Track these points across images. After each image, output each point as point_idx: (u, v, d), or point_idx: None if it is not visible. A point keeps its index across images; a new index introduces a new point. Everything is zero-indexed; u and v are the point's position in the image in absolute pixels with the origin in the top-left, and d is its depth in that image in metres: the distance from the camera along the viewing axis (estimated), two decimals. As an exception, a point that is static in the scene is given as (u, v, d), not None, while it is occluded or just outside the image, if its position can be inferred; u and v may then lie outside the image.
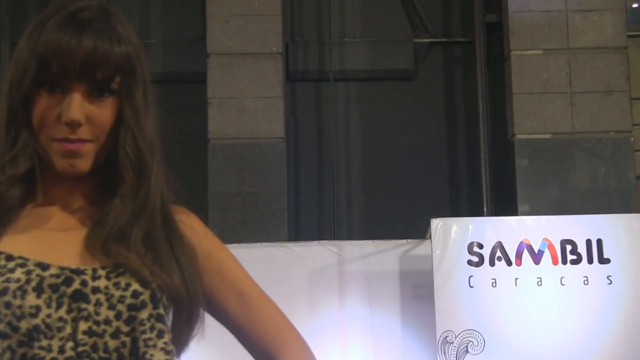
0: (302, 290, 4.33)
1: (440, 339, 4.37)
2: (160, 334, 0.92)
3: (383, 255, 4.64)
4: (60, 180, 0.95)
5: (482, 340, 4.36)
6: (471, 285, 4.41)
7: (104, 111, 0.92)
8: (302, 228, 5.29)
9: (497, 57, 5.46)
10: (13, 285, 0.88)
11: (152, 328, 0.92)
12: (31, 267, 0.90)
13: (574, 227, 4.42)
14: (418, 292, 4.60)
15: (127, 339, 0.91)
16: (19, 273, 0.88)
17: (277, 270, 4.27)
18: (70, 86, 0.90)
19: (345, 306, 4.33)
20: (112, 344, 0.90)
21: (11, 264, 0.89)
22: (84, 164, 0.92)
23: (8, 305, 0.87)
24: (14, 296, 0.87)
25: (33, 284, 0.88)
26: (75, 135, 0.90)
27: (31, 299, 0.88)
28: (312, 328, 4.29)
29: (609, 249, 4.33)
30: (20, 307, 0.88)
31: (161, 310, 0.93)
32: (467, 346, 4.33)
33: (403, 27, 5.59)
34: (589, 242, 4.37)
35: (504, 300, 4.44)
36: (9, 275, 0.88)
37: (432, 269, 4.26)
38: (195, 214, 1.04)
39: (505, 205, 5.43)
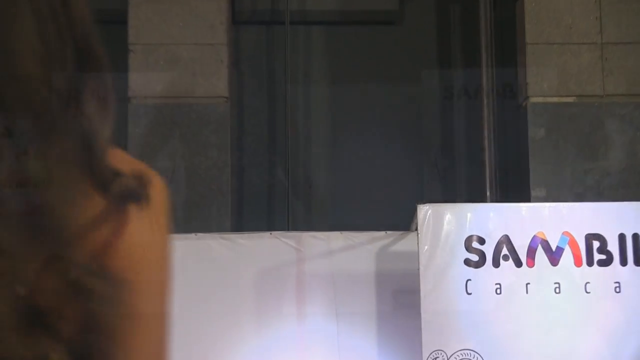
0: (250, 296, 4.26)
1: (428, 362, 4.33)
2: None
3: (355, 252, 4.55)
4: None
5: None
6: (469, 291, 4.34)
7: None
8: (250, 215, 5.25)
9: (506, -4, 5.35)
10: None
11: None
12: None
13: (603, 218, 4.33)
14: (400, 300, 4.58)
15: None
16: None
17: (218, 270, 4.23)
18: None
19: (306, 318, 4.31)
20: None
21: None
22: None
23: None
24: None
25: None
26: None
27: None
28: (262, 346, 4.21)
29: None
30: None
31: None
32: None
33: (384, -47, 5.64)
34: (622, 237, 4.27)
35: (510, 311, 4.36)
36: None
37: (418, 269, 4.15)
38: None
39: (514, 189, 5.35)
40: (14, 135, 0.82)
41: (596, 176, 5.14)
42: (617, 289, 4.29)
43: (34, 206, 0.74)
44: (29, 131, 0.80)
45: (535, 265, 4.34)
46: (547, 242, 4.36)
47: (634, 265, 4.33)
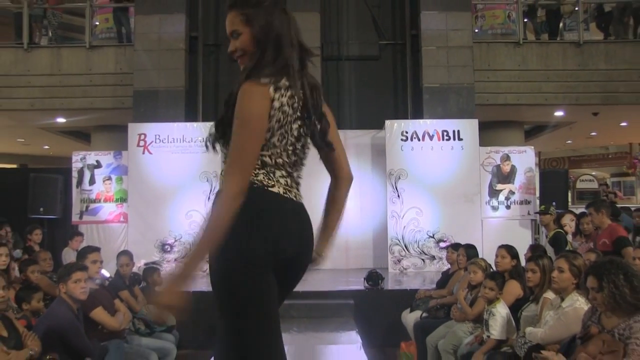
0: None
1: (387, 173, 7.99)
2: None
3: (365, 136, 8.33)
4: None
5: (407, 173, 7.91)
6: (402, 150, 8.00)
7: None
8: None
9: None
10: None
11: None
12: None
13: (449, 125, 8.05)
14: (380, 150, 8.12)
15: None
16: None
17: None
18: None
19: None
20: None
21: None
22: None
23: None
24: None
25: None
26: None
27: None
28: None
29: (462, 134, 8.05)
30: None
31: None
32: (399, 175, 7.86)
33: None
34: (454, 130, 8.03)
35: (416, 155, 7.97)
36: None
37: (385, 142, 7.89)
38: None
39: (419, 112, 8.60)
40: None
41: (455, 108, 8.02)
42: (452, 149, 7.75)
43: None
44: None
45: (425, 140, 7.75)
46: (429, 132, 7.73)
47: (458, 140, 7.75)
